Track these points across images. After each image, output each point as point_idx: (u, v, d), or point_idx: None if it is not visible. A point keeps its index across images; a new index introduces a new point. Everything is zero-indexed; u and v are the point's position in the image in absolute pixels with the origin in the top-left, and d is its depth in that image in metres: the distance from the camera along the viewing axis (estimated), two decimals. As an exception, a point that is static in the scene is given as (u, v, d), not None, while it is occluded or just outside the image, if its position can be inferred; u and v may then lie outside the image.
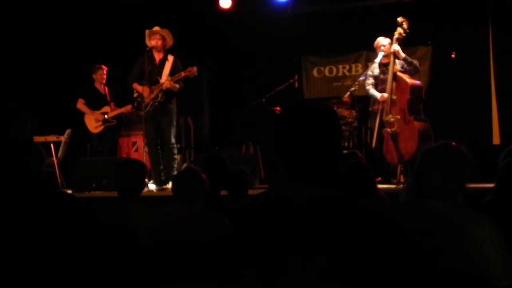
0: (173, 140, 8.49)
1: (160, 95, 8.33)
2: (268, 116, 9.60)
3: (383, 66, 8.41)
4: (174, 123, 8.59)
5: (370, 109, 8.62)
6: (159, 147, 8.58)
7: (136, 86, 8.50)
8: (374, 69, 8.57)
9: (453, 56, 9.90)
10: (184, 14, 10.42)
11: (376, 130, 8.35)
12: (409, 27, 8.13)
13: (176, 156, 8.61)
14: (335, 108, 9.08)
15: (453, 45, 10.04)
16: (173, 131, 8.52)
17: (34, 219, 2.06)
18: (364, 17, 10.60)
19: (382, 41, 8.40)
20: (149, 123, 8.50)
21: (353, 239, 1.76)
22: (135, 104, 8.62)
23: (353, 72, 11.21)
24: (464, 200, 2.83)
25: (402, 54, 8.21)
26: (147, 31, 8.53)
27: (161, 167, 8.53)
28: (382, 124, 8.23)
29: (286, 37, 10.80)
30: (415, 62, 8.38)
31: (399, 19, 8.16)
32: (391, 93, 8.13)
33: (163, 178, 8.46)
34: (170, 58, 8.52)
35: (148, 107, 8.37)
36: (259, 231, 1.84)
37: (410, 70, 8.23)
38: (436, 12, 10.10)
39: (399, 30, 8.14)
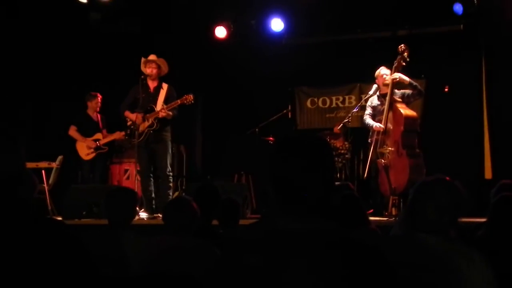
0: (169, 167, 8.49)
1: (155, 123, 8.34)
2: (261, 146, 9.61)
3: (382, 97, 8.37)
4: (170, 150, 8.60)
5: (369, 140, 8.55)
6: (151, 175, 8.57)
7: (128, 114, 8.50)
8: (374, 99, 8.54)
9: (446, 89, 9.96)
10: (180, 43, 10.47)
11: (369, 161, 8.34)
12: (409, 56, 8.14)
13: (171, 184, 8.59)
14: (328, 140, 9.10)
15: (446, 78, 10.10)
16: (169, 159, 8.53)
17: (23, 246, 2.04)
18: (358, 49, 10.66)
19: (384, 70, 8.36)
20: (142, 151, 8.49)
21: (345, 273, 1.75)
22: (128, 132, 8.62)
23: (347, 104, 11.25)
24: (457, 235, 2.83)
25: (407, 79, 8.15)
26: (143, 59, 8.56)
27: (153, 195, 8.51)
28: (378, 155, 8.22)
29: (280, 67, 10.85)
30: (419, 86, 8.40)
31: (401, 47, 8.15)
32: (386, 123, 8.13)
33: (154, 206, 8.42)
34: (165, 86, 8.55)
35: (143, 135, 8.38)
36: (250, 263, 1.82)
37: (415, 94, 8.22)
38: (430, 46, 10.17)
39: (400, 58, 8.12)
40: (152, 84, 8.56)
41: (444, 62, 10.17)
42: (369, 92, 8.78)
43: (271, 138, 9.73)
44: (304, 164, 1.88)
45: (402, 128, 7.99)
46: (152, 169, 8.59)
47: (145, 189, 8.53)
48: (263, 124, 9.91)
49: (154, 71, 8.47)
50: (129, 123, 8.53)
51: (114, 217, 4.26)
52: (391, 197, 8.02)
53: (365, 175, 8.42)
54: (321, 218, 1.87)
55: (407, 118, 8.03)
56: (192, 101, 8.32)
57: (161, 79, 8.61)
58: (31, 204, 2.97)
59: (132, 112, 8.47)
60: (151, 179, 8.57)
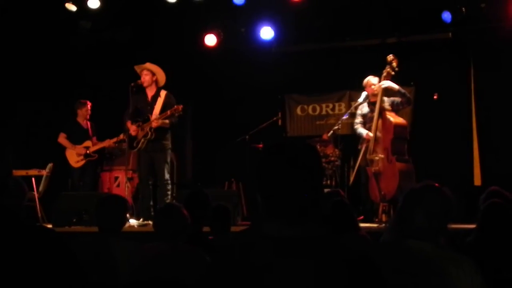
0: (166, 176, 8.55)
1: (150, 132, 8.36)
2: (251, 154, 9.61)
3: (372, 104, 8.45)
4: (168, 159, 8.65)
5: (358, 147, 8.62)
6: (150, 183, 8.61)
7: (129, 125, 8.55)
8: (363, 107, 8.62)
9: (435, 97, 10.00)
10: (169, 50, 10.47)
11: (356, 167, 8.37)
12: (398, 66, 8.21)
13: (169, 192, 8.61)
14: (318, 147, 9.13)
15: (435, 86, 10.14)
16: (166, 167, 8.57)
17: (12, 253, 2.04)
18: (347, 57, 10.70)
19: (372, 80, 8.44)
20: (141, 159, 8.61)
21: (335, 280, 1.75)
22: (119, 139, 8.72)
23: (336, 111, 11.26)
24: (446, 241, 2.84)
25: (396, 86, 8.24)
26: (135, 67, 8.58)
27: (151, 202, 8.54)
28: (367, 162, 8.26)
29: (270, 75, 10.85)
30: (408, 94, 8.48)
31: (389, 57, 8.22)
32: (376, 131, 8.18)
33: (152, 213, 8.42)
34: (163, 93, 8.58)
35: (140, 143, 8.42)
36: (240, 270, 1.82)
37: (403, 102, 8.29)
38: (419, 53, 10.23)
39: (388, 68, 8.20)
40: (150, 93, 8.60)
41: (433, 69, 10.21)
42: (359, 100, 8.83)
43: (261, 146, 9.73)
44: (292, 170, 1.88)
45: (391, 135, 8.06)
46: (151, 177, 8.65)
47: (143, 196, 8.63)
48: (253, 131, 9.91)
49: (147, 78, 8.50)
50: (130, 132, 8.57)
51: (105, 224, 4.25)
52: (381, 203, 8.06)
53: (351, 181, 8.45)
54: (310, 225, 1.88)
55: (397, 126, 8.11)
56: (181, 112, 8.34)
57: (159, 87, 8.63)
58: (18, 211, 2.97)
59: (132, 120, 8.50)
60: (150, 187, 8.63)
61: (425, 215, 2.72)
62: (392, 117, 8.16)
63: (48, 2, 9.89)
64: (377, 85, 8.33)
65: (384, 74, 8.25)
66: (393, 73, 8.23)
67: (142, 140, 8.41)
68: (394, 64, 8.19)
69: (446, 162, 9.86)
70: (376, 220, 8.15)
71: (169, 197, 8.58)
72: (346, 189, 9.13)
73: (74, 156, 9.46)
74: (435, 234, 2.76)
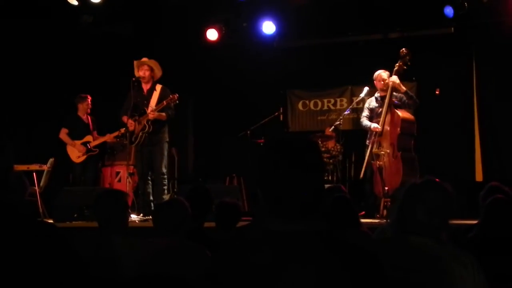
0: (163, 169, 8.52)
1: (147, 125, 8.36)
2: (252, 149, 9.61)
3: (381, 99, 8.42)
4: (165, 152, 8.62)
5: (367, 142, 8.54)
6: (149, 178, 8.60)
7: (125, 119, 8.54)
8: (372, 101, 8.58)
9: (437, 92, 9.99)
10: (172, 45, 10.46)
11: (365, 161, 8.36)
12: (410, 60, 8.18)
13: (165, 187, 8.60)
14: (320, 142, 9.13)
15: (437, 81, 10.13)
16: (163, 161, 8.55)
17: (13, 248, 2.03)
18: (349, 52, 10.68)
19: (383, 74, 8.39)
20: (139, 154, 8.58)
21: (337, 275, 1.75)
22: (120, 133, 8.72)
23: (338, 106, 11.26)
24: (448, 237, 2.83)
25: (403, 88, 8.27)
26: (135, 62, 8.56)
27: (151, 197, 8.53)
28: (373, 157, 8.25)
29: (272, 70, 10.86)
30: (415, 97, 8.47)
31: (403, 51, 8.21)
32: (383, 125, 8.17)
33: (153, 208, 8.42)
34: (158, 87, 8.58)
35: (138, 138, 8.41)
36: (241, 266, 1.82)
37: (410, 103, 8.29)
38: (421, 48, 10.20)
39: (400, 62, 8.18)
40: (145, 87, 8.61)
41: (435, 64, 10.20)
42: (360, 95, 8.83)
43: (262, 141, 9.74)
44: (293, 165, 1.87)
45: (398, 130, 8.07)
46: (150, 171, 8.63)
47: (142, 192, 8.61)
48: (254, 126, 9.91)
49: (147, 73, 8.50)
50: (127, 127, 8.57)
51: (103, 220, 4.20)
52: (383, 199, 8.06)
53: (361, 175, 8.42)
54: (312, 220, 1.87)
55: (404, 120, 8.12)
56: (177, 100, 8.33)
57: (155, 81, 8.63)
58: (20, 206, 2.96)
59: (129, 115, 8.50)
60: (149, 182, 8.61)
61: (425, 210, 2.71)
62: (401, 112, 8.16)
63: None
64: (387, 80, 8.29)
65: (396, 68, 8.23)
66: (405, 67, 8.20)
67: (141, 134, 8.39)
68: (407, 58, 8.16)
69: (448, 157, 9.86)
70: (378, 215, 8.15)
71: (166, 192, 8.57)
72: (347, 184, 9.12)
73: (75, 152, 9.46)
74: (436, 229, 2.74)
